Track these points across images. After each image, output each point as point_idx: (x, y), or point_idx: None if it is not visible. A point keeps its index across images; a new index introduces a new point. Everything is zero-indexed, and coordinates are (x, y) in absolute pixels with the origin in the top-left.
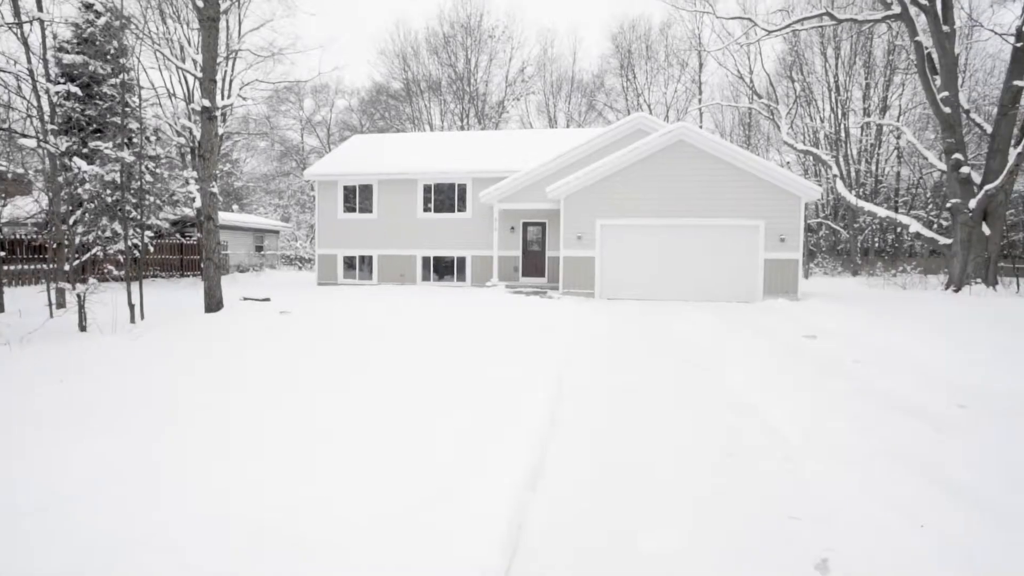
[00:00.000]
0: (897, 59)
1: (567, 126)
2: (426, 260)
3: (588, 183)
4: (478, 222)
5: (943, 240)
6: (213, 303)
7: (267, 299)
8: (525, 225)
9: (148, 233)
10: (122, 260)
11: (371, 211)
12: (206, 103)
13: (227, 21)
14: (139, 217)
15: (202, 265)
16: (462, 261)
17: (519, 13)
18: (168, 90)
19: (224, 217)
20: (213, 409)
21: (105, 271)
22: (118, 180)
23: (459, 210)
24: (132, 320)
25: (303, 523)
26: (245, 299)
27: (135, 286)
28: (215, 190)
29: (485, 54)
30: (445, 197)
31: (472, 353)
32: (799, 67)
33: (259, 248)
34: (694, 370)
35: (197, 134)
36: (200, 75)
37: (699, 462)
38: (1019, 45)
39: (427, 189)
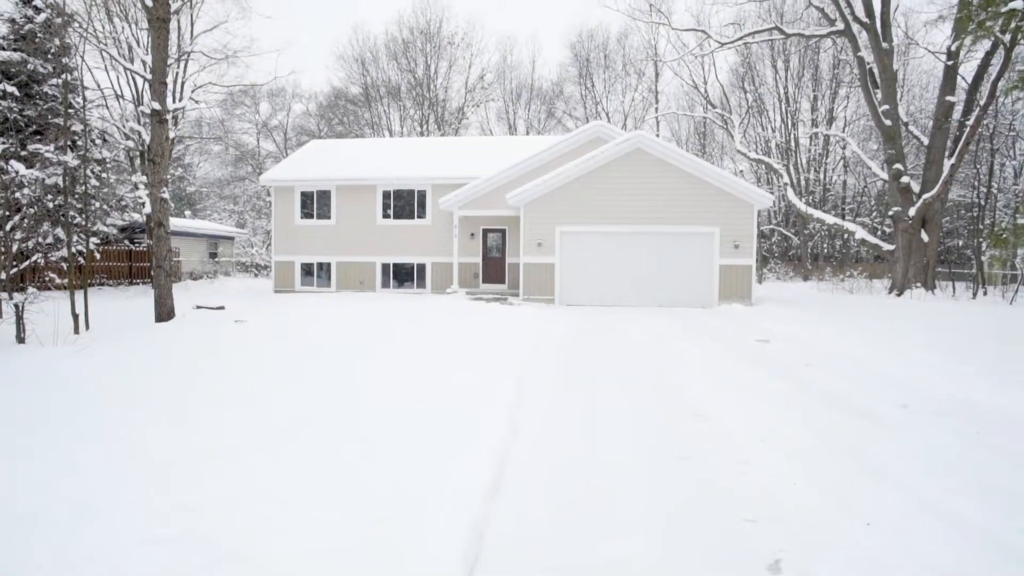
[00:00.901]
0: (842, 73)
1: (527, 133)
2: (385, 267)
3: (548, 190)
4: (438, 228)
5: (886, 246)
6: (164, 312)
7: (221, 307)
8: (485, 232)
9: (94, 240)
10: (65, 268)
11: (329, 217)
12: (156, 106)
13: (178, 22)
14: (84, 223)
15: (152, 273)
16: (422, 268)
17: (479, 20)
18: (116, 91)
19: (176, 223)
20: (152, 433)
21: (47, 279)
22: (61, 184)
23: (419, 216)
24: (76, 331)
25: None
26: (198, 307)
27: (79, 295)
28: (166, 195)
29: (445, 60)
30: (405, 203)
31: (432, 361)
32: (751, 79)
33: (213, 255)
34: (652, 375)
35: (146, 137)
36: (149, 77)
37: (655, 466)
38: (950, 63)
39: (386, 195)
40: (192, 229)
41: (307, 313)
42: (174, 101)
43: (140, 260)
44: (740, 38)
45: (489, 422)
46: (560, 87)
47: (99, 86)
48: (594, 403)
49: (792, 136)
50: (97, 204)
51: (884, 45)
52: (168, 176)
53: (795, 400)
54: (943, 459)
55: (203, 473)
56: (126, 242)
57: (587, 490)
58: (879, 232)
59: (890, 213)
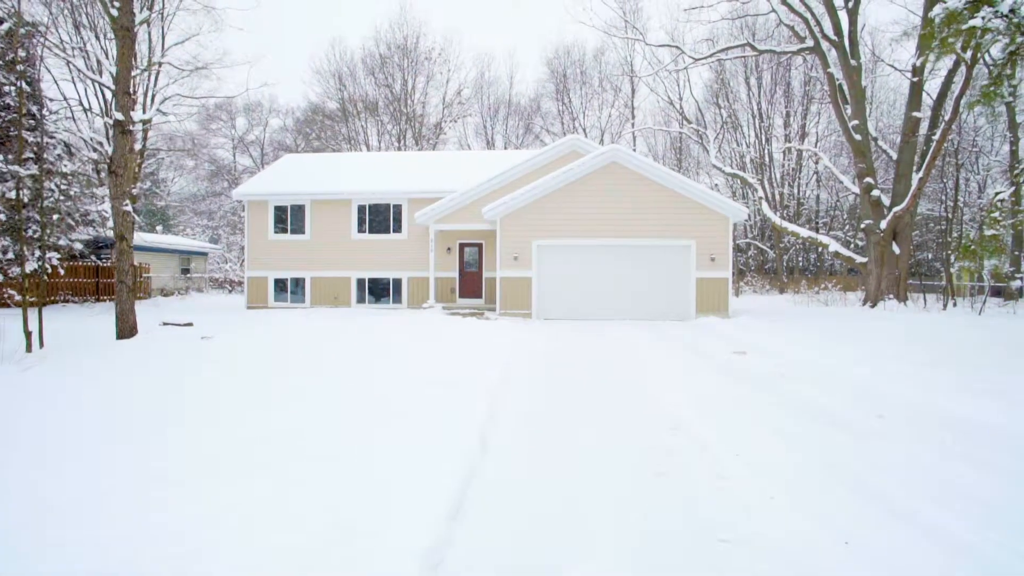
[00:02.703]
0: (813, 90)
1: (505, 148)
2: (361, 282)
3: (524, 204)
4: (414, 243)
5: (859, 258)
6: (126, 329)
7: (189, 324)
8: (462, 246)
9: (54, 254)
10: (27, 284)
11: (304, 232)
12: (119, 116)
13: (149, 33)
14: (44, 237)
15: (115, 288)
16: (398, 283)
17: (456, 36)
18: (83, 105)
19: (147, 238)
20: (84, 459)
21: (5, 296)
22: (17, 197)
23: (395, 231)
24: (28, 349)
25: None
26: (165, 324)
27: (34, 311)
28: (129, 208)
29: (422, 76)
30: (380, 218)
31: (401, 378)
32: (725, 95)
33: (185, 271)
34: (628, 389)
35: (109, 149)
36: (113, 87)
37: (629, 483)
38: (915, 80)
39: (362, 209)
40: (163, 245)
41: (274, 330)
42: (143, 112)
43: (108, 276)
44: (713, 54)
45: (459, 434)
46: (538, 103)
47: (65, 98)
48: (569, 415)
49: (766, 151)
50: (56, 217)
51: (852, 62)
52: (131, 188)
53: (771, 412)
54: (919, 470)
55: (129, 506)
56: (93, 257)
57: (556, 507)
58: (852, 245)
59: (862, 226)
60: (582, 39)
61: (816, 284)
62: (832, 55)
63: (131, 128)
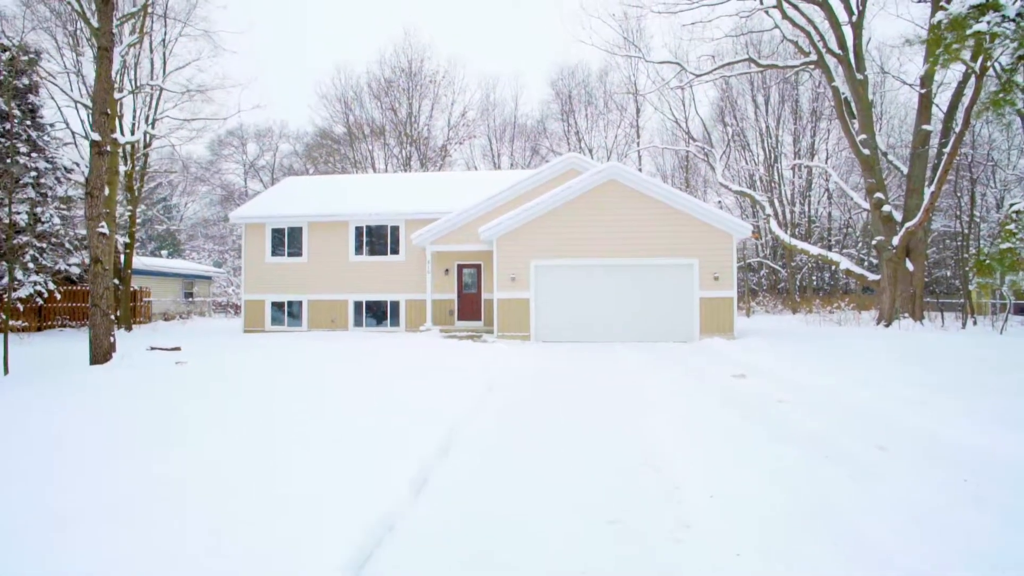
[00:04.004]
0: (821, 106)
1: (512, 169)
2: (358, 305)
3: (520, 223)
4: (412, 265)
5: (872, 276)
6: (100, 354)
7: (177, 348)
8: (460, 267)
9: (38, 276)
10: (21, 308)
11: (301, 255)
12: (96, 136)
13: (152, 59)
14: (10, 261)
15: (89, 312)
16: (396, 305)
17: (460, 59)
18: (85, 131)
19: (148, 262)
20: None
21: None
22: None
23: (392, 253)
24: None
25: None
26: (152, 348)
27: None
28: (104, 230)
29: (428, 99)
30: (378, 240)
31: (365, 410)
32: (732, 113)
33: (189, 295)
34: (612, 415)
35: (85, 170)
36: (91, 105)
37: (576, 530)
38: (923, 92)
39: (359, 231)
40: (166, 269)
41: (263, 354)
42: (130, 134)
43: None
44: (714, 69)
45: (396, 471)
46: (543, 124)
47: (67, 124)
48: (535, 445)
49: (775, 169)
50: (24, 238)
51: (858, 76)
52: (126, 210)
53: (763, 443)
54: (926, 516)
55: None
56: None
57: (478, 566)
58: (865, 263)
59: (874, 243)
60: (586, 60)
61: (829, 303)
62: (838, 70)
63: (107, 149)
